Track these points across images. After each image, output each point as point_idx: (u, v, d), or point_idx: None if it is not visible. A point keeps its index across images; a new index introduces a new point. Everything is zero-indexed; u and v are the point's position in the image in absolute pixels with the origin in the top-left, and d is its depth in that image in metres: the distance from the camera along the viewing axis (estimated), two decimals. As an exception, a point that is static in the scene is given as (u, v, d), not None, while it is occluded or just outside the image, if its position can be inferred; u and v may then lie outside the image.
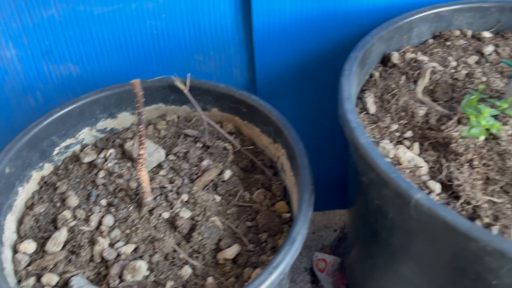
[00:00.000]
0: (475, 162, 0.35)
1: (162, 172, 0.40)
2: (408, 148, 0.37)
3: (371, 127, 0.39)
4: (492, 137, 0.36)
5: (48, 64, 0.48)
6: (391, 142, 0.38)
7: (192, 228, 0.37)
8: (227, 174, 0.41)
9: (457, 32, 0.45)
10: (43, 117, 0.42)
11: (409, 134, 0.38)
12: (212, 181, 0.40)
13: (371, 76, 0.42)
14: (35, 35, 0.45)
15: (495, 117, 0.37)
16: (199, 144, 0.43)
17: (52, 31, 0.45)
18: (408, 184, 0.28)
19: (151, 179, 0.40)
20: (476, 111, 0.35)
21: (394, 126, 0.39)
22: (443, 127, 0.37)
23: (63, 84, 0.49)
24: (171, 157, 0.42)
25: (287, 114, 0.53)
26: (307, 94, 0.51)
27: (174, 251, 0.36)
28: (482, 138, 0.35)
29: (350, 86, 0.35)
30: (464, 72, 0.42)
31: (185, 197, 0.38)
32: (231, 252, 0.35)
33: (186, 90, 0.44)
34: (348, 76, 0.36)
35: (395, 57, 0.43)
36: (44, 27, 0.45)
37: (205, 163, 0.41)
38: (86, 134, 0.45)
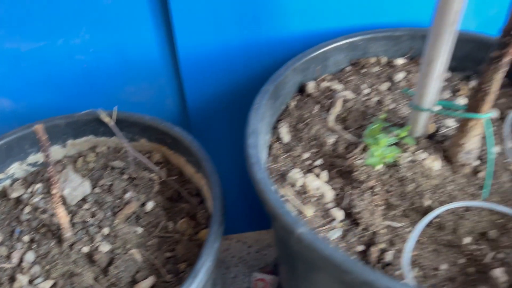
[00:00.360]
0: (377, 189, 0.37)
1: (86, 206, 0.42)
2: (317, 176, 0.39)
3: (284, 156, 0.41)
4: (393, 164, 0.38)
5: (-20, 99, 0.49)
6: (302, 170, 0.40)
7: (110, 262, 0.38)
8: (150, 205, 0.42)
9: (373, 59, 0.48)
10: (-32, 156, 0.43)
11: (319, 162, 0.40)
12: (134, 213, 0.42)
13: (288, 106, 0.44)
14: (-37, 73, 0.47)
15: (397, 144, 0.39)
16: (125, 176, 0.45)
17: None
18: (292, 219, 0.30)
19: (74, 213, 0.41)
20: (375, 140, 0.37)
21: (306, 155, 0.41)
22: (349, 155, 0.39)
23: (-3, 116, 0.50)
24: (97, 189, 0.43)
25: (220, 141, 0.55)
26: (237, 121, 0.53)
27: (92, 285, 0.37)
28: (379, 166, 0.37)
29: (256, 120, 0.37)
30: (375, 99, 0.44)
31: (106, 230, 0.40)
32: (146, 284, 0.36)
33: (111, 123, 0.45)
34: (256, 110, 0.38)
35: (311, 87, 0.45)
36: (-29, 65, 0.46)
37: (128, 195, 0.42)
38: (17, 169, 0.46)
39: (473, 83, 0.46)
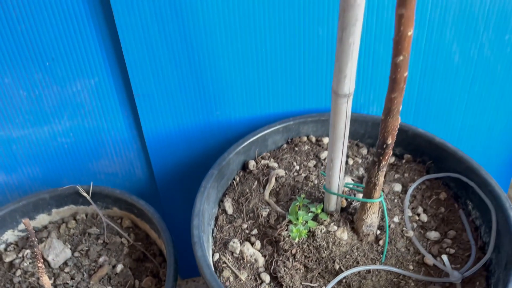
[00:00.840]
0: (298, 256, 0.47)
1: (67, 269, 0.51)
2: (252, 244, 0.49)
3: (228, 226, 0.50)
4: (311, 234, 0.48)
5: (-22, 173, 0.58)
6: (240, 239, 0.49)
7: (86, 318, 0.47)
8: (119, 267, 0.51)
9: (305, 138, 0.58)
10: (-31, 228, 0.52)
11: (255, 231, 0.50)
12: (106, 274, 0.51)
13: (233, 181, 0.54)
14: (-36, 155, 0.56)
15: (315, 217, 0.49)
16: (100, 241, 0.54)
17: (-22, 152, 0.56)
18: (220, 290, 0.39)
19: (57, 276, 0.50)
20: (296, 216, 0.47)
21: (245, 225, 0.50)
22: (278, 227, 0.49)
23: (-6, 188, 0.60)
24: (76, 253, 0.53)
25: (184, 203, 0.65)
26: (197, 187, 0.62)
27: (70, 338, 0.46)
28: (300, 237, 0.47)
29: (201, 203, 0.47)
30: (303, 175, 0.53)
31: (82, 290, 0.49)
32: (114, 336, 0.46)
33: (88, 197, 0.54)
34: (202, 193, 0.48)
35: (251, 165, 0.54)
36: (-29, 149, 0.55)
37: (101, 259, 0.52)
38: (9, 235, 0.55)
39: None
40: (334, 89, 0.38)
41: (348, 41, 0.35)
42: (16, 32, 0.48)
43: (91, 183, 0.55)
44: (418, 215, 0.51)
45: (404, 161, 0.55)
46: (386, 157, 0.41)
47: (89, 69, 0.52)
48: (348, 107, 0.40)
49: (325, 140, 0.57)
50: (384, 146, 0.40)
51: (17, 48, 0.49)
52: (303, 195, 0.49)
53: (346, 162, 0.54)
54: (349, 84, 0.37)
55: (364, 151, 0.57)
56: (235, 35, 0.51)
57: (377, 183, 0.43)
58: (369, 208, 0.46)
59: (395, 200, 0.51)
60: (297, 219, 0.47)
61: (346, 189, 0.51)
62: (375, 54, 0.54)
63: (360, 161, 0.55)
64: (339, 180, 0.46)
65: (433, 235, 0.49)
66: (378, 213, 0.47)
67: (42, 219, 0.56)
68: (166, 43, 0.51)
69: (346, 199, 0.50)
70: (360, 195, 0.50)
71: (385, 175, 0.50)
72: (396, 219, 0.50)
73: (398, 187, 0.52)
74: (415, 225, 0.50)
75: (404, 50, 0.33)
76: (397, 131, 0.39)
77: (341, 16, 0.34)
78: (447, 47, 0.54)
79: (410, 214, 0.51)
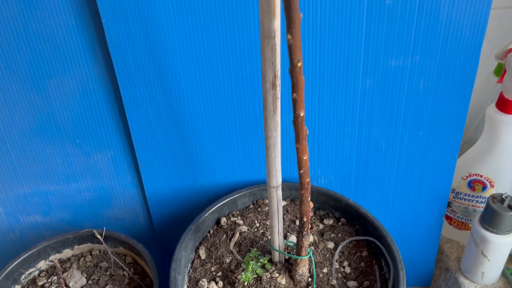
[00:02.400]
0: (247, 294, 0.64)
1: (82, 293, 0.69)
2: (216, 283, 0.66)
3: (200, 268, 0.68)
4: (259, 279, 0.64)
5: (22, 215, 0.77)
6: (208, 279, 0.66)
7: (93, 330, 0.65)
8: (120, 294, 0.69)
9: (266, 201, 0.75)
10: (15, 258, 0.71)
11: (220, 274, 0.67)
12: (111, 298, 0.69)
13: (208, 234, 0.71)
14: (14, 202, 0.75)
15: (263, 266, 0.66)
16: (108, 273, 0.72)
17: (22, 200, 0.75)
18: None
19: (75, 298, 0.68)
20: (247, 265, 0.64)
21: (213, 268, 0.67)
22: (236, 271, 0.66)
23: (32, 226, 0.79)
24: (90, 281, 0.71)
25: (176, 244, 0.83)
26: (183, 233, 0.80)
27: None
28: (251, 281, 0.64)
29: (180, 250, 0.64)
30: (261, 231, 0.70)
31: (92, 310, 0.67)
32: None
33: (101, 239, 0.73)
34: (181, 243, 0.65)
35: (223, 221, 0.72)
36: (18, 197, 0.75)
37: (108, 287, 0.70)
38: (42, 264, 0.74)
39: (327, 221, 0.72)
40: (267, 182, 0.56)
41: (271, 156, 0.52)
42: (56, 118, 0.68)
43: (104, 228, 0.73)
44: (343, 267, 0.67)
45: (340, 223, 0.72)
46: (306, 229, 0.58)
47: (107, 145, 0.71)
48: (278, 194, 0.57)
49: (282, 203, 0.74)
50: (302, 222, 0.57)
51: (57, 129, 0.69)
52: (255, 249, 0.66)
53: (294, 222, 0.71)
54: (275, 180, 0.55)
55: (310, 214, 0.73)
56: (215, 120, 0.69)
57: (302, 245, 0.60)
58: (300, 262, 0.62)
59: (327, 255, 0.68)
60: (248, 267, 0.64)
61: (291, 244, 0.68)
62: (319, 142, 0.71)
63: (305, 222, 0.72)
64: (279, 240, 0.63)
65: (352, 284, 0.65)
66: (309, 266, 0.64)
67: (67, 253, 0.75)
68: (162, 127, 0.69)
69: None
70: (301, 250, 0.67)
71: (323, 234, 0.67)
72: (325, 270, 0.66)
73: (331, 245, 0.69)
74: (339, 275, 0.66)
75: (300, 133, 0.48)
76: (311, 213, 0.56)
77: (265, 141, 0.51)
78: (375, 138, 0.71)
79: (337, 266, 0.67)
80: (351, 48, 0.63)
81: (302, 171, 0.51)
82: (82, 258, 0.75)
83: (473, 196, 0.80)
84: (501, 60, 0.72)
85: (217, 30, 0.61)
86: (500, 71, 0.75)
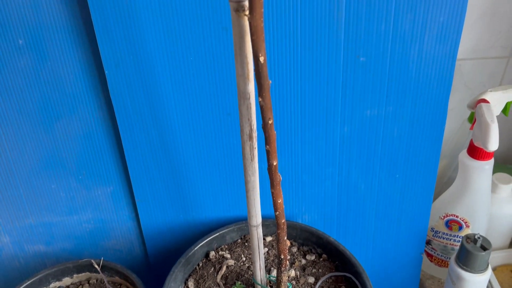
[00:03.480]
0: (231, 324, 0.68)
1: (78, 320, 0.74)
2: (202, 313, 0.70)
3: (188, 299, 0.72)
4: (242, 310, 0.69)
5: (27, 244, 0.83)
6: (195, 309, 0.71)
7: None
8: (113, 321, 0.74)
9: (253, 236, 0.80)
10: (19, 285, 0.76)
11: (206, 304, 0.71)
12: (104, 325, 0.73)
13: (197, 266, 0.76)
14: (20, 232, 0.81)
15: (246, 298, 0.70)
16: (103, 301, 0.77)
17: (28, 230, 0.81)
18: None
19: (71, 324, 0.73)
20: (231, 297, 0.69)
21: (200, 299, 0.72)
22: (221, 302, 0.70)
23: (36, 255, 0.84)
24: (86, 309, 0.76)
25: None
26: (176, 264, 0.85)
27: None
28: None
29: (170, 281, 0.69)
30: (247, 265, 0.75)
31: (87, 336, 0.72)
32: None
33: (98, 268, 0.78)
34: (171, 275, 0.70)
35: (212, 254, 0.77)
36: (24, 227, 0.81)
37: (102, 314, 0.74)
38: (43, 291, 0.79)
39: (310, 257, 0.77)
40: (248, 221, 0.61)
41: (251, 198, 0.58)
42: (61, 155, 0.74)
43: (102, 258, 0.79)
44: (322, 301, 0.71)
45: (321, 259, 0.77)
46: (284, 266, 0.63)
47: (107, 181, 0.77)
48: (258, 232, 0.62)
49: (268, 238, 0.79)
50: (280, 259, 0.62)
51: (62, 166, 0.75)
52: (239, 282, 0.71)
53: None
54: (255, 220, 0.60)
55: (294, 249, 0.78)
56: (205, 161, 0.75)
57: (281, 280, 0.65)
58: (280, 295, 0.67)
59: (307, 289, 0.72)
60: (232, 298, 0.68)
61: (273, 278, 0.72)
62: (302, 181, 0.77)
63: (288, 257, 0.77)
64: (261, 275, 0.67)
65: (330, 317, 0.69)
66: (288, 299, 0.68)
67: (66, 281, 0.80)
68: (157, 166, 0.75)
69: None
70: (283, 283, 0.72)
71: (304, 269, 0.72)
72: (305, 303, 0.70)
73: (311, 279, 0.73)
74: (318, 309, 0.70)
75: (274, 179, 0.54)
76: (288, 251, 0.61)
77: (245, 185, 0.57)
78: (354, 179, 0.77)
79: (317, 300, 0.71)
80: (330, 98, 0.69)
81: (278, 212, 0.56)
82: (81, 286, 0.80)
83: (450, 235, 0.84)
84: (473, 109, 0.78)
85: (208, 81, 0.68)
86: (472, 119, 0.81)
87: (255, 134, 0.52)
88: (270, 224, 0.79)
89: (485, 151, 0.73)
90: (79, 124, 0.72)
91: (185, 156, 0.74)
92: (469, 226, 0.81)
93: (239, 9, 0.42)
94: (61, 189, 0.77)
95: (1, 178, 0.75)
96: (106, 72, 0.66)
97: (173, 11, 0.62)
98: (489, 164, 0.75)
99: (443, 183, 0.93)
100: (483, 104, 0.73)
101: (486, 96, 0.75)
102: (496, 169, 0.91)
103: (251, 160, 0.54)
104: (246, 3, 0.42)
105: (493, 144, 0.69)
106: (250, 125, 0.51)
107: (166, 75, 0.67)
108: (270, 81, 0.45)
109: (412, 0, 0.62)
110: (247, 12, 0.42)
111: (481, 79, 0.94)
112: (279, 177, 0.53)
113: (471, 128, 0.77)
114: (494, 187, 0.83)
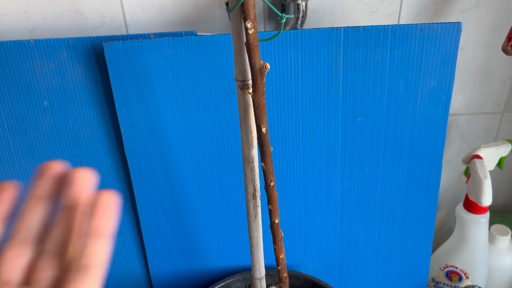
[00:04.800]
0: None
1: None
2: None
3: None
4: None
5: None
6: None
7: None
8: None
9: None
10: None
11: None
12: None
13: (203, 314, 0.79)
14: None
15: None
16: None
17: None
18: None
19: None
20: None
21: None
22: None
23: None
24: None
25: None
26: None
27: None
28: None
29: (176, 331, 0.72)
30: (251, 314, 0.78)
31: None
32: None
33: (108, 316, 0.81)
34: (178, 324, 0.73)
35: (218, 304, 0.80)
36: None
37: None
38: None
39: (312, 306, 0.79)
40: (252, 273, 0.65)
41: (255, 252, 0.61)
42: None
43: (112, 306, 0.82)
44: None
45: (324, 309, 0.79)
46: (286, 316, 0.65)
47: (119, 232, 0.81)
48: (262, 284, 0.65)
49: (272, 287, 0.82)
50: (283, 310, 0.64)
51: (77, 216, 0.80)
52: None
53: (282, 307, 0.78)
54: (259, 273, 0.63)
55: (298, 298, 0.81)
56: (212, 213, 0.79)
57: (284, 331, 0.67)
58: None
59: None
60: None
61: (277, 328, 0.75)
62: (305, 232, 0.80)
63: (292, 306, 0.79)
64: (264, 325, 0.70)
65: None
66: None
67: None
68: (167, 217, 0.79)
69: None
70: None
71: (307, 320, 0.74)
72: None
73: (314, 330, 0.76)
74: None
75: (276, 236, 0.58)
76: (290, 302, 0.64)
77: (249, 240, 0.61)
78: (355, 231, 0.80)
79: None
80: (330, 155, 0.74)
81: (280, 267, 0.59)
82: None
83: (451, 286, 0.86)
84: (467, 164, 0.81)
85: (215, 139, 0.73)
86: (467, 173, 0.85)
87: (258, 193, 0.56)
88: (274, 274, 0.82)
89: (480, 205, 0.76)
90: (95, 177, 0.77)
91: (193, 208, 0.78)
92: (468, 277, 0.83)
93: (244, 87, 0.48)
94: (75, 238, 0.81)
95: (20, 228, 0.79)
96: (122, 131, 0.72)
97: (185, 78, 0.68)
98: (484, 217, 0.78)
99: (443, 233, 0.96)
100: (476, 160, 0.77)
101: (480, 152, 0.79)
102: (495, 219, 0.94)
103: (255, 217, 0.58)
104: (250, 82, 0.47)
105: (486, 199, 0.72)
106: (254, 186, 0.55)
107: (177, 133, 0.72)
108: (272, 148, 0.50)
109: (405, 67, 0.68)
110: (250, 90, 0.47)
111: (477, 133, 0.98)
112: (281, 233, 0.57)
113: (467, 182, 0.80)
114: (492, 239, 0.86)
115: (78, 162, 0.75)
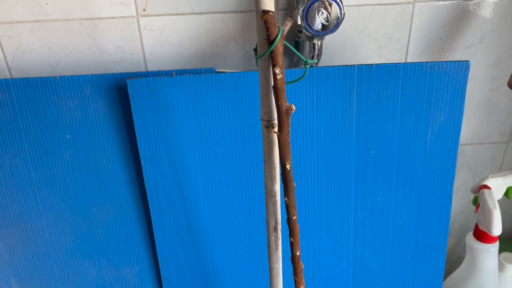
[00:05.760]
0: None
1: None
2: None
3: None
4: None
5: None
6: None
7: None
8: None
9: (272, 315, 0.83)
10: None
11: None
12: None
13: None
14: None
15: None
16: None
17: (10, 267, 0.85)
18: None
19: None
20: None
21: None
22: None
23: (63, 331, 0.88)
24: None
25: None
26: None
27: None
28: None
29: None
30: None
31: None
32: None
33: None
34: None
35: (233, 333, 0.81)
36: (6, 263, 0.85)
37: None
38: None
39: (327, 335, 0.80)
40: (271, 304, 0.66)
41: (274, 284, 0.63)
42: (95, 237, 0.80)
43: (127, 336, 0.82)
44: None
45: None
46: None
47: (135, 261, 0.83)
48: (280, 314, 0.66)
49: (286, 318, 0.83)
50: None
51: (95, 247, 0.81)
52: None
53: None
54: (278, 303, 0.65)
55: (312, 328, 0.82)
56: (228, 242, 0.81)
57: None
58: None
59: None
60: None
61: None
62: (319, 262, 0.82)
63: (307, 337, 0.80)
64: None
65: None
66: None
67: None
68: (183, 247, 0.81)
69: None
70: None
71: None
72: None
73: None
74: None
75: (297, 268, 0.59)
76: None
77: (269, 271, 0.62)
78: (368, 261, 0.81)
79: None
80: (344, 187, 0.76)
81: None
82: None
83: (462, 314, 0.87)
84: (476, 193, 0.84)
85: (233, 170, 0.75)
86: (476, 202, 0.87)
87: (279, 227, 0.58)
88: None
89: (490, 235, 0.78)
90: (113, 209, 0.79)
91: (210, 238, 0.80)
92: (479, 306, 0.85)
93: (269, 126, 0.50)
94: (92, 268, 0.83)
95: (39, 259, 0.81)
96: (142, 163, 0.74)
97: (204, 112, 0.71)
98: (494, 246, 0.80)
99: (453, 261, 0.97)
100: (485, 191, 0.79)
101: (488, 182, 0.82)
102: (503, 246, 0.95)
103: (276, 249, 0.60)
104: (276, 122, 0.50)
105: (496, 229, 0.74)
106: (276, 219, 0.57)
107: (196, 165, 0.74)
108: (295, 184, 0.52)
109: (416, 102, 0.70)
110: (276, 129, 0.50)
111: (483, 162, 1.00)
112: (302, 265, 0.59)
113: (476, 211, 0.82)
114: (501, 267, 0.87)
115: (97, 195, 0.77)
